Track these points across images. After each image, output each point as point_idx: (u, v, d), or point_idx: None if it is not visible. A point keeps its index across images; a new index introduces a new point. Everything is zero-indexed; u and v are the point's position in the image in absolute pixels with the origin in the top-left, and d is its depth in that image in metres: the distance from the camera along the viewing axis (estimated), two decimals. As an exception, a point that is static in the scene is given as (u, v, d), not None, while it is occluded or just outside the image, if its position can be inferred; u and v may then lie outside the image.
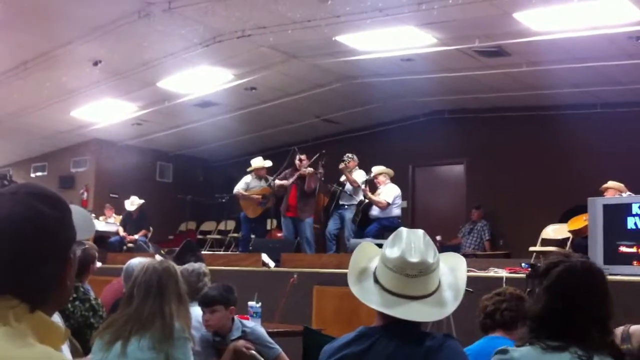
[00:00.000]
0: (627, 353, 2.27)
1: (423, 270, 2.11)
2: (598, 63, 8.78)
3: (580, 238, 8.05)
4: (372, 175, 9.64)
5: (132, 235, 11.82)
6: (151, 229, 12.36)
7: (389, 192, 9.48)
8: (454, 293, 2.19)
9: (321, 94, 11.23)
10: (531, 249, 8.89)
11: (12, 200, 1.29)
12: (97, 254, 4.76)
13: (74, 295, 3.99)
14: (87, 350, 3.44)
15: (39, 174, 15.06)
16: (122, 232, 11.95)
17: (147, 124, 12.93)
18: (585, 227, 7.12)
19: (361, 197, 9.59)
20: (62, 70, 10.05)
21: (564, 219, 9.36)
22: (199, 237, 13.68)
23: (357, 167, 9.69)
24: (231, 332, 4.08)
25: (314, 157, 9.69)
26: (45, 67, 9.82)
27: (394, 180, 9.77)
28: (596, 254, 5.89)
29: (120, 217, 12.43)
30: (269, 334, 4.31)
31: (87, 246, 4.42)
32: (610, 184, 8.21)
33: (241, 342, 4.02)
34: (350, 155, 9.63)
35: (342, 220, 9.61)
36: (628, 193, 7.92)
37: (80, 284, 4.20)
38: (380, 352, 2.10)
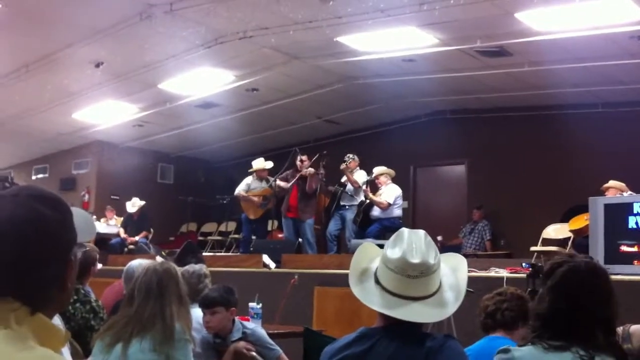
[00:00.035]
0: (627, 353, 2.27)
1: (424, 271, 2.11)
2: (599, 63, 8.77)
3: (581, 238, 8.05)
4: (373, 175, 9.64)
5: (133, 236, 11.82)
6: (152, 230, 12.35)
7: (390, 193, 9.48)
8: (455, 294, 2.19)
9: (323, 94, 11.23)
10: (532, 248, 8.89)
11: (13, 202, 1.29)
12: (98, 256, 4.76)
13: (75, 297, 3.99)
14: (87, 353, 3.44)
15: (40, 176, 15.07)
16: (123, 234, 11.95)
17: (149, 125, 12.93)
18: (586, 226, 7.12)
19: (362, 198, 9.59)
20: (64, 72, 10.06)
21: (565, 219, 9.35)
22: (200, 238, 13.68)
23: (358, 168, 9.69)
24: (232, 334, 4.08)
25: (315, 158, 9.69)
26: (46, 69, 9.83)
27: (395, 180, 9.77)
28: (597, 253, 5.90)
29: (122, 219, 12.43)
30: (270, 335, 4.31)
31: (87, 248, 4.42)
32: (611, 183, 8.21)
33: (242, 344, 4.02)
34: (351, 155, 9.63)
35: (343, 220, 9.61)
36: (629, 192, 7.91)
37: (81, 286, 4.20)
38: (381, 353, 2.09)
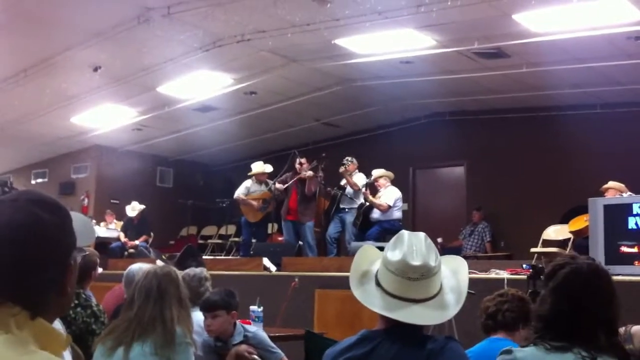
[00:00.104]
0: (629, 353, 2.27)
1: (425, 273, 2.11)
2: (597, 63, 8.78)
3: (581, 238, 8.05)
4: (373, 178, 9.64)
5: (133, 240, 11.82)
6: (152, 234, 12.35)
7: (389, 195, 9.49)
8: (456, 296, 2.19)
9: (321, 97, 11.24)
10: (532, 250, 8.89)
11: (12, 207, 1.29)
12: (98, 260, 4.76)
13: (76, 302, 3.99)
14: (88, 357, 3.43)
15: (39, 180, 15.06)
16: (123, 238, 11.94)
17: (147, 129, 12.93)
18: (586, 227, 7.12)
19: (362, 200, 9.59)
20: (62, 76, 10.07)
21: (564, 220, 9.36)
22: (200, 242, 13.66)
23: (357, 170, 9.70)
24: (233, 337, 4.08)
25: (313, 164, 9.68)
26: (45, 73, 9.83)
27: (394, 182, 9.78)
28: (597, 254, 5.90)
29: (121, 223, 12.42)
30: (271, 338, 4.31)
31: (88, 252, 4.41)
32: (611, 184, 8.21)
33: (243, 347, 4.02)
34: (349, 158, 9.64)
35: (343, 223, 9.61)
36: (629, 193, 7.91)
37: (82, 290, 4.20)
38: (382, 355, 2.10)
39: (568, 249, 8.44)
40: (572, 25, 7.80)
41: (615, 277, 2.30)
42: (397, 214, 9.49)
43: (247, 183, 10.27)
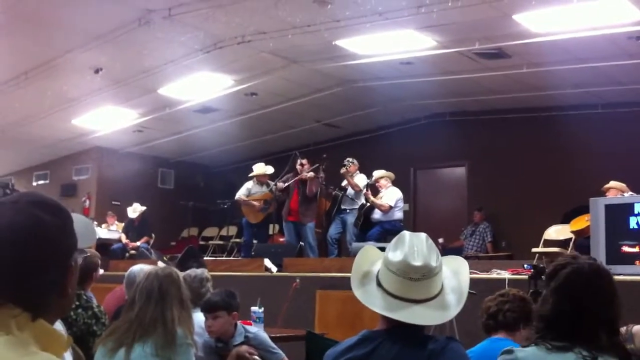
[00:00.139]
0: (630, 353, 2.27)
1: (426, 273, 2.11)
2: (599, 63, 8.78)
3: (582, 238, 8.05)
4: (373, 179, 9.64)
5: (134, 242, 11.82)
6: (153, 235, 12.35)
7: (391, 195, 9.49)
8: (457, 296, 2.19)
9: (322, 98, 11.24)
10: (534, 250, 8.89)
11: (13, 209, 1.29)
12: (99, 262, 4.77)
13: (77, 303, 3.99)
14: (89, 358, 3.43)
15: (40, 182, 15.08)
16: (124, 239, 11.95)
17: (148, 130, 12.94)
18: (588, 227, 7.13)
19: (363, 201, 9.60)
20: (63, 78, 10.08)
21: (566, 220, 9.35)
22: (201, 243, 13.66)
23: (358, 172, 9.70)
24: (234, 338, 4.08)
25: (316, 165, 9.68)
26: (46, 75, 9.84)
27: (395, 183, 9.78)
28: (598, 254, 5.90)
29: (123, 224, 12.43)
30: (272, 338, 4.31)
31: (89, 254, 4.42)
32: (612, 184, 8.21)
33: (244, 348, 4.02)
34: (350, 159, 9.64)
35: (344, 224, 9.61)
36: (630, 193, 7.91)
37: (83, 291, 4.20)
38: (383, 355, 2.10)
39: (569, 249, 8.44)
40: (573, 26, 7.80)
41: (616, 277, 2.30)
42: (398, 215, 9.50)
43: (248, 184, 10.28)
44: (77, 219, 1.42)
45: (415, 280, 2.11)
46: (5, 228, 1.26)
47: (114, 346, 3.26)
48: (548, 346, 2.11)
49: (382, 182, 9.66)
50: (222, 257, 11.87)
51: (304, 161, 9.71)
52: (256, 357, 4.01)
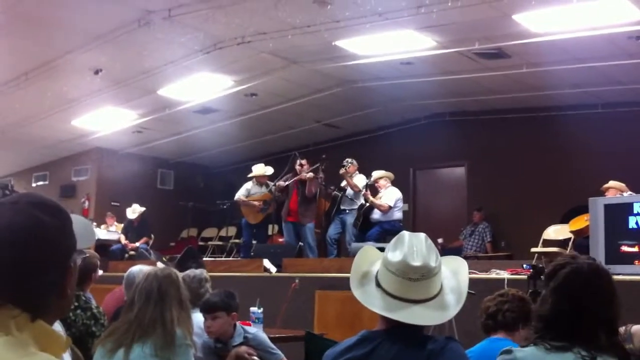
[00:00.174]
0: (629, 353, 2.27)
1: (425, 274, 2.11)
2: (598, 63, 8.78)
3: (581, 238, 8.05)
4: (373, 179, 9.64)
5: (134, 243, 11.82)
6: (152, 236, 12.36)
7: (390, 196, 9.50)
8: (456, 297, 2.19)
9: (321, 98, 11.24)
10: (533, 250, 8.89)
11: (12, 209, 1.29)
12: (98, 263, 4.76)
13: (76, 304, 3.99)
14: (88, 359, 3.44)
15: (40, 183, 15.08)
16: (123, 240, 11.95)
17: (148, 131, 12.94)
18: (587, 227, 7.12)
19: (362, 201, 9.60)
20: (63, 79, 10.08)
21: (565, 220, 9.35)
22: (201, 243, 13.67)
23: (357, 172, 9.70)
24: (233, 338, 4.08)
25: (315, 165, 9.68)
26: (46, 76, 9.84)
27: (394, 183, 9.79)
28: (598, 253, 5.90)
29: (122, 225, 12.43)
30: (271, 339, 4.31)
31: (88, 255, 4.42)
32: (611, 183, 8.21)
33: (243, 348, 4.01)
34: (349, 160, 9.65)
35: (343, 224, 9.61)
36: (629, 193, 7.91)
37: (82, 292, 4.20)
38: (382, 355, 2.10)
39: (568, 249, 8.44)
40: (573, 25, 7.80)
41: (615, 277, 2.30)
42: (397, 215, 9.50)
43: (248, 185, 10.28)
44: (76, 220, 1.42)
45: (415, 281, 2.11)
46: (4, 229, 1.27)
47: (113, 347, 3.26)
48: (547, 346, 2.11)
49: (382, 182, 9.67)
50: (222, 257, 11.87)
51: (304, 161, 9.72)
52: (255, 357, 4.01)
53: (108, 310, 4.60)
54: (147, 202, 12.58)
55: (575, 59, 8.75)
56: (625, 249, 6.06)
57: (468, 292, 2.22)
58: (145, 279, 3.41)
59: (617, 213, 6.29)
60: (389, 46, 8.90)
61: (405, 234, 2.22)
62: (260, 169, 10.24)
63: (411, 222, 12.32)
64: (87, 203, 14.03)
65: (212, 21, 8.17)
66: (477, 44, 8.50)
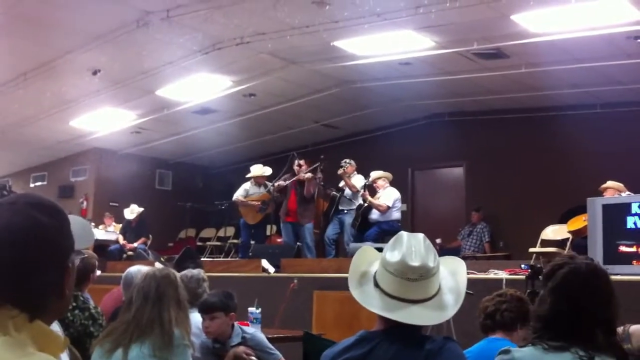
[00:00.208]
0: (627, 353, 2.27)
1: (424, 274, 2.11)
2: (597, 63, 8.78)
3: (580, 238, 8.05)
4: (371, 179, 9.64)
5: (132, 243, 11.83)
6: (151, 236, 12.36)
7: (388, 196, 9.50)
8: (455, 297, 2.19)
9: (320, 99, 11.24)
10: (531, 250, 8.90)
11: (10, 210, 1.29)
12: (97, 263, 4.76)
13: (74, 304, 3.98)
14: (86, 359, 3.44)
15: (38, 183, 15.07)
16: (121, 241, 11.95)
17: (146, 132, 12.94)
18: (585, 227, 7.13)
19: (360, 202, 9.60)
20: (62, 80, 10.07)
21: (563, 220, 9.36)
22: (199, 244, 13.68)
23: (355, 172, 9.70)
24: (231, 339, 4.07)
25: (314, 166, 9.68)
26: (44, 77, 9.84)
27: (393, 183, 9.79)
28: (596, 254, 5.90)
29: (120, 225, 12.43)
30: (269, 339, 4.31)
31: (86, 255, 4.41)
32: (610, 183, 8.21)
33: (241, 349, 4.01)
34: (347, 160, 9.65)
35: (342, 225, 9.61)
36: (627, 193, 7.92)
37: (80, 292, 4.20)
38: (381, 356, 2.10)
39: (567, 249, 8.44)
40: (572, 26, 7.80)
41: (613, 277, 2.31)
42: (396, 215, 9.50)
43: (246, 185, 10.27)
44: (75, 220, 1.43)
45: (413, 281, 2.11)
46: (2, 229, 1.27)
47: (111, 347, 3.26)
48: (545, 346, 2.11)
49: (380, 182, 9.67)
50: (220, 258, 11.88)
51: (302, 162, 9.71)
52: (253, 358, 4.01)
53: (106, 311, 4.60)
54: (146, 202, 12.58)
55: (574, 59, 8.75)
56: (623, 249, 6.07)
57: (466, 292, 2.22)
58: (143, 279, 3.41)
59: (615, 213, 6.30)
60: (388, 46, 8.90)
61: (404, 234, 2.22)
62: (259, 170, 10.24)
63: (409, 222, 12.32)
64: (85, 203, 14.02)
65: (211, 22, 8.17)
66: (476, 44, 8.50)
